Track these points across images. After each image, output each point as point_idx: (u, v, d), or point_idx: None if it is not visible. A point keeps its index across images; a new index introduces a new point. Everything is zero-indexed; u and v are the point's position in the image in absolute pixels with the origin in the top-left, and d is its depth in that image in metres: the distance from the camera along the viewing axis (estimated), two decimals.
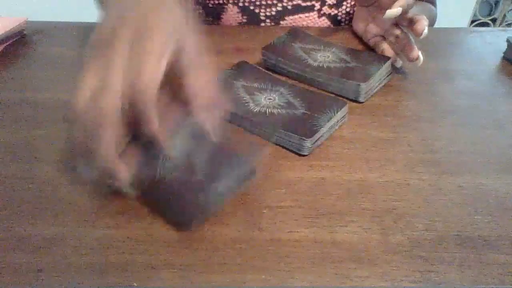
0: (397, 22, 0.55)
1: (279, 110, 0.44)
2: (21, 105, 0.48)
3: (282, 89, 0.47)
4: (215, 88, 0.34)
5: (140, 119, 0.30)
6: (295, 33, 0.59)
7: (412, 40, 0.52)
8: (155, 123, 0.30)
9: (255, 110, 0.44)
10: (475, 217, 0.35)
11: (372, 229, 0.34)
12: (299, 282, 0.30)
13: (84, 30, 0.65)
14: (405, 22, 0.52)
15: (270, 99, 0.45)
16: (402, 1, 0.49)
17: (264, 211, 0.35)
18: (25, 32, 0.63)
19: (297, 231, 0.34)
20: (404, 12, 0.50)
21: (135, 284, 0.30)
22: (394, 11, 0.50)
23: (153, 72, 0.30)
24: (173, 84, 0.33)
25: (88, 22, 0.66)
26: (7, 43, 0.60)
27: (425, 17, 0.50)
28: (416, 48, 0.51)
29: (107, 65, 0.30)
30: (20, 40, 0.62)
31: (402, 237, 0.33)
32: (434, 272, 0.31)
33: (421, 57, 0.51)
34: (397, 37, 0.54)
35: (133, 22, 0.31)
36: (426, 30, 0.49)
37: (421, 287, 0.30)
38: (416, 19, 0.50)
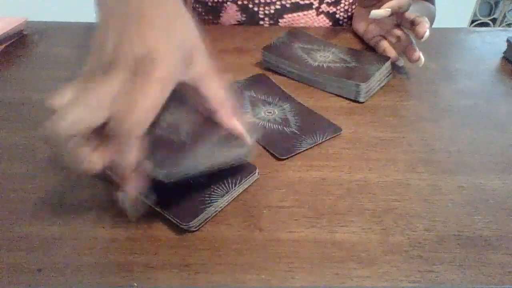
0: (398, 23, 0.55)
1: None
2: (21, 105, 0.48)
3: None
4: (231, 94, 0.33)
5: (118, 149, 0.28)
6: (295, 33, 0.59)
7: (414, 41, 0.52)
8: (133, 160, 0.28)
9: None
10: (475, 217, 0.35)
11: (372, 229, 0.34)
12: (299, 282, 0.30)
13: (84, 30, 0.65)
14: (406, 23, 0.52)
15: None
16: (393, 3, 0.50)
17: (264, 211, 0.35)
18: (24, 32, 0.63)
19: (297, 231, 0.34)
20: (395, 12, 0.50)
21: (135, 284, 0.30)
22: (380, 11, 0.50)
23: (150, 108, 0.27)
24: (186, 95, 0.31)
25: (88, 22, 0.66)
26: (7, 43, 0.60)
27: (426, 19, 0.50)
28: (418, 49, 0.51)
29: (105, 82, 0.27)
30: (20, 40, 0.62)
31: (402, 237, 0.33)
32: (434, 272, 0.31)
33: (422, 58, 0.51)
34: (398, 38, 0.54)
35: (137, 39, 0.28)
36: (427, 33, 0.49)
37: (421, 287, 0.30)
38: (417, 21, 0.50)
